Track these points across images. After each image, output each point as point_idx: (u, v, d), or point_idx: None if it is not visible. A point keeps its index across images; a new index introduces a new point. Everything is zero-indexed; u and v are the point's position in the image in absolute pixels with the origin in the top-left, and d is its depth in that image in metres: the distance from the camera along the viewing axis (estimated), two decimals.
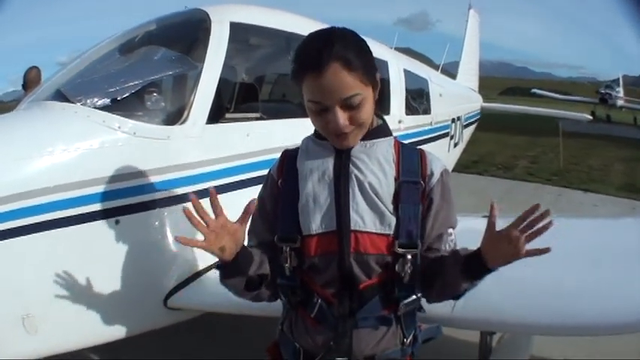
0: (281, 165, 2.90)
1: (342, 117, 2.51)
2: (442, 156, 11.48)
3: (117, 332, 4.14)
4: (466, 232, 5.41)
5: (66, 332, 3.88)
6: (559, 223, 6.34)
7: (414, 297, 2.72)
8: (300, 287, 2.76)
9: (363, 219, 2.61)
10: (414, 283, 2.68)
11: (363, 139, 2.71)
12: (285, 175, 2.83)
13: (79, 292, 3.85)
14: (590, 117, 24.70)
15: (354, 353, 2.69)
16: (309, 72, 2.49)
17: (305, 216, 2.69)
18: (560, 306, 3.83)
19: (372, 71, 2.61)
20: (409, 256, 2.62)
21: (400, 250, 2.62)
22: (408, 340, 2.83)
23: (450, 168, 13.35)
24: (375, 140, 2.74)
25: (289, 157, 2.89)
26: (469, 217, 6.50)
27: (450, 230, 2.84)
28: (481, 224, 5.51)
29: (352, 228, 2.60)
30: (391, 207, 2.64)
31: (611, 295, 3.97)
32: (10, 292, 3.57)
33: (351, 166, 2.67)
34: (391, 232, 2.62)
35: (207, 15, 5.10)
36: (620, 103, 57.24)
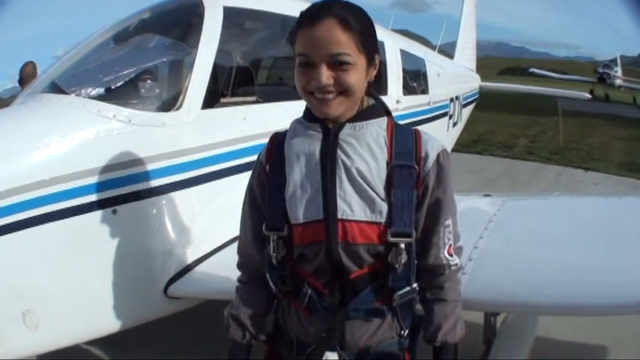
0: (269, 149, 2.80)
1: (326, 74, 2.38)
2: (441, 135, 11.59)
3: (118, 323, 4.12)
4: (467, 211, 5.40)
5: (67, 326, 3.87)
6: (561, 201, 6.34)
7: (409, 288, 2.61)
8: (290, 277, 2.69)
9: (351, 207, 2.49)
10: (409, 273, 2.58)
11: (353, 120, 2.58)
12: (272, 161, 2.73)
13: (78, 285, 3.85)
14: (589, 95, 24.68)
15: (347, 345, 2.61)
16: (304, 25, 2.42)
17: (291, 204, 2.60)
18: (565, 285, 3.79)
19: (370, 44, 2.51)
20: (402, 245, 2.50)
21: (393, 239, 2.50)
22: (406, 332, 2.72)
23: (450, 147, 13.37)
24: (365, 122, 2.60)
25: (277, 141, 2.78)
26: (469, 196, 6.48)
27: (448, 222, 2.68)
28: (481, 203, 5.50)
29: (339, 217, 2.49)
30: (383, 193, 2.51)
31: (616, 274, 3.92)
32: (10, 287, 3.55)
33: (338, 150, 2.54)
34: (383, 220, 2.50)
35: (201, 0, 5.07)
36: (618, 82, 57.26)
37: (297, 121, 2.76)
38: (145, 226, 4.22)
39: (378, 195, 2.50)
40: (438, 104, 11.28)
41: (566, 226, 5.06)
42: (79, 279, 3.84)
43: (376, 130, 2.60)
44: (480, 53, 22.97)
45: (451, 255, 2.70)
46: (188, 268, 4.41)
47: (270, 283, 2.75)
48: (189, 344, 6.20)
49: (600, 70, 57.80)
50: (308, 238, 2.56)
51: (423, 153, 2.59)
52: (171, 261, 4.35)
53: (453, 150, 14.11)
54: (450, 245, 2.69)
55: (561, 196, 8.08)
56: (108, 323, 4.07)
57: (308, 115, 2.67)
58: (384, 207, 2.49)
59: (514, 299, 3.83)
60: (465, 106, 14.88)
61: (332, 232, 2.50)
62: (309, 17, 2.41)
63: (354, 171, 2.50)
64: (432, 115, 10.78)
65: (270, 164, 2.72)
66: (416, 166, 2.56)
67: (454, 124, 13.41)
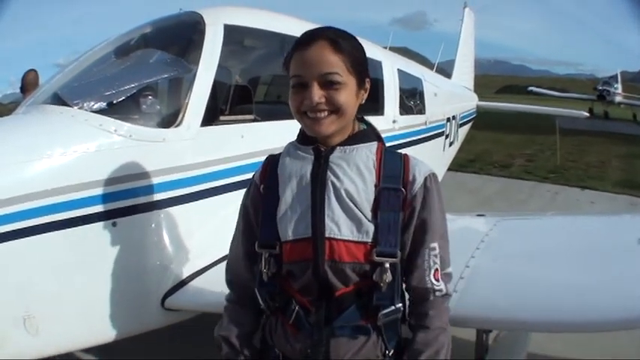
0: (264, 170, 2.90)
1: (317, 93, 2.51)
2: (437, 155, 11.59)
3: (115, 333, 4.16)
4: (460, 231, 5.45)
5: (66, 333, 3.91)
6: (554, 221, 6.40)
7: (394, 307, 2.66)
8: (279, 293, 2.76)
9: (339, 226, 2.58)
10: (393, 293, 2.64)
11: (344, 144, 2.69)
12: (267, 181, 2.83)
13: (77, 294, 3.90)
14: (587, 114, 24.68)
15: None
16: (297, 49, 2.57)
17: (282, 222, 2.69)
18: (556, 302, 3.82)
19: (361, 67, 2.64)
20: (387, 265, 2.57)
21: (378, 259, 2.57)
22: (390, 353, 2.75)
23: (446, 167, 13.41)
24: (355, 146, 2.70)
25: (272, 162, 2.88)
26: (463, 216, 6.53)
27: (434, 245, 2.72)
28: (474, 223, 5.56)
29: (327, 235, 2.57)
30: (370, 214, 2.60)
31: (608, 291, 3.97)
32: (12, 293, 3.61)
33: (328, 172, 2.64)
34: (369, 240, 2.58)
35: (202, 17, 5.13)
36: (618, 99, 57.11)
37: (290, 144, 2.86)
38: (144, 239, 4.26)
39: (365, 216, 2.58)
40: (435, 124, 11.28)
41: (559, 245, 5.11)
42: (78, 288, 3.90)
43: (366, 153, 2.70)
44: (478, 71, 23.03)
45: (437, 280, 2.73)
46: (185, 282, 4.45)
47: (259, 299, 2.82)
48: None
49: (600, 88, 57.64)
50: (296, 255, 2.64)
51: (410, 177, 2.68)
52: (169, 274, 4.39)
53: (450, 169, 14.17)
54: (437, 270, 2.73)
55: (555, 216, 8.12)
56: (105, 332, 4.11)
57: (301, 137, 2.79)
58: (370, 227, 2.58)
59: (505, 316, 3.88)
60: (461, 125, 14.88)
61: (319, 249, 2.58)
62: (303, 41, 2.57)
63: (342, 192, 2.59)
64: (429, 134, 10.79)
65: (265, 185, 2.83)
66: (403, 189, 2.65)
67: (450, 144, 13.40)
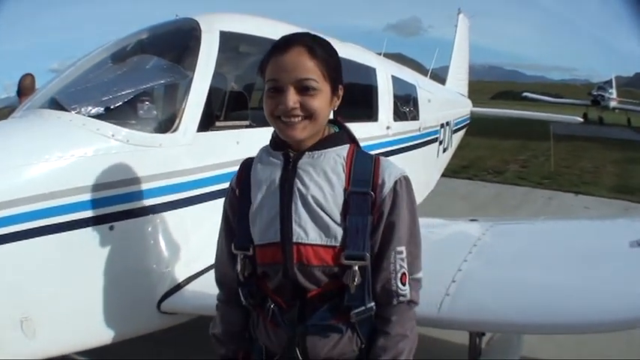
0: (239, 175, 2.96)
1: (292, 98, 2.54)
2: (431, 161, 11.62)
3: (112, 335, 4.20)
4: (452, 236, 5.50)
5: (63, 335, 3.95)
6: (546, 225, 6.45)
7: (364, 307, 2.67)
8: (256, 292, 2.83)
9: (306, 231, 2.62)
10: (363, 293, 2.66)
11: (312, 149, 2.71)
12: (241, 186, 2.89)
13: (74, 296, 3.94)
14: (582, 119, 24.70)
15: (309, 357, 2.71)
16: (274, 54, 2.60)
17: (254, 226, 2.76)
18: (550, 305, 3.87)
19: (335, 74, 2.68)
20: (356, 268, 2.60)
21: (346, 262, 2.60)
22: (365, 346, 2.77)
23: (440, 173, 13.42)
24: (323, 150, 2.72)
25: (247, 166, 2.93)
26: (456, 221, 6.57)
27: (400, 248, 2.71)
28: (467, 228, 5.62)
29: (294, 240, 2.62)
30: (338, 218, 2.62)
31: (600, 293, 4.02)
32: (9, 296, 3.65)
33: (295, 178, 2.67)
34: (337, 244, 2.61)
35: (198, 24, 5.17)
36: (613, 104, 57.12)
37: (263, 149, 2.92)
38: (141, 243, 4.30)
39: (333, 220, 2.62)
40: (429, 130, 11.30)
41: (550, 249, 5.15)
42: (75, 291, 3.93)
43: (334, 157, 2.71)
44: (473, 77, 23.01)
45: (404, 284, 2.71)
46: (181, 285, 4.49)
47: (242, 297, 2.89)
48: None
49: (594, 93, 57.68)
50: (267, 258, 2.72)
51: (380, 180, 2.68)
52: (165, 277, 4.43)
53: (443, 175, 14.21)
54: (404, 274, 2.72)
55: (547, 220, 8.16)
56: (102, 335, 4.15)
57: (273, 143, 2.84)
58: (338, 231, 2.62)
59: (497, 319, 3.92)
60: (455, 131, 14.90)
61: (288, 254, 2.64)
62: (279, 46, 2.61)
63: (309, 198, 2.63)
64: (423, 140, 10.81)
65: (240, 189, 2.90)
66: (372, 192, 2.66)
67: (444, 150, 13.42)
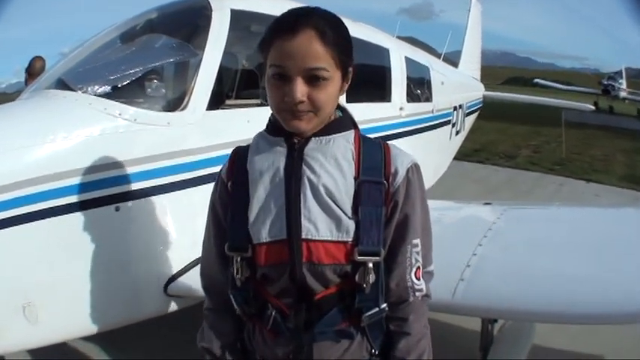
0: (231, 165, 2.67)
1: (300, 89, 2.27)
2: (444, 143, 11.60)
3: (118, 320, 4.17)
4: (467, 219, 5.40)
5: (67, 320, 3.89)
6: (561, 211, 6.39)
7: (377, 309, 2.48)
8: (254, 298, 2.56)
9: (317, 226, 2.38)
10: (377, 293, 2.46)
11: (319, 134, 2.47)
12: (234, 177, 2.60)
13: (79, 280, 3.87)
14: (593, 107, 24.62)
15: None
16: (280, 35, 2.29)
17: (254, 223, 2.47)
18: (562, 293, 3.83)
19: (347, 57, 2.42)
20: (370, 265, 2.37)
21: (360, 258, 2.37)
22: (377, 352, 2.58)
23: (452, 156, 13.42)
24: (331, 136, 2.49)
25: (240, 155, 2.66)
26: (470, 204, 6.50)
27: (416, 241, 2.52)
28: (481, 211, 5.54)
29: (304, 236, 2.37)
30: (350, 211, 2.39)
31: (613, 283, 3.98)
32: (11, 281, 3.58)
33: (303, 166, 2.43)
34: (350, 239, 2.37)
35: (208, 2, 5.11)
36: (622, 94, 57.16)
37: (259, 135, 2.67)
38: (147, 224, 4.24)
39: (344, 213, 2.39)
40: (441, 112, 11.25)
41: (565, 236, 5.10)
42: (80, 274, 3.86)
43: (344, 143, 2.50)
44: (484, 62, 22.97)
45: (418, 279, 2.55)
46: (188, 267, 4.41)
47: (234, 305, 2.63)
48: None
49: (605, 82, 57.70)
50: (271, 258, 2.44)
51: (392, 168, 2.49)
52: (172, 259, 4.37)
53: (455, 158, 14.18)
54: (419, 268, 2.55)
55: (561, 207, 8.11)
56: (108, 319, 4.09)
57: (271, 128, 2.59)
58: (351, 225, 2.38)
59: (511, 306, 3.87)
60: (468, 114, 14.90)
61: (296, 252, 2.39)
62: (286, 27, 2.30)
63: (320, 188, 2.40)
64: (435, 122, 10.76)
65: (233, 181, 2.61)
66: (385, 182, 2.46)
67: (457, 133, 13.39)
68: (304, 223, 2.38)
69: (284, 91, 2.30)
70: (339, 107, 2.62)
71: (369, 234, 2.39)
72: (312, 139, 2.46)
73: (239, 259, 2.50)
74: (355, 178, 2.43)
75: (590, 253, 4.61)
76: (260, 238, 2.44)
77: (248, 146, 2.67)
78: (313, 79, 2.29)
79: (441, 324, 5.36)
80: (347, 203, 2.40)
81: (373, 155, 2.50)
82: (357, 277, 2.39)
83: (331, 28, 2.33)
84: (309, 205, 2.39)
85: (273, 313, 2.51)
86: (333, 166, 2.43)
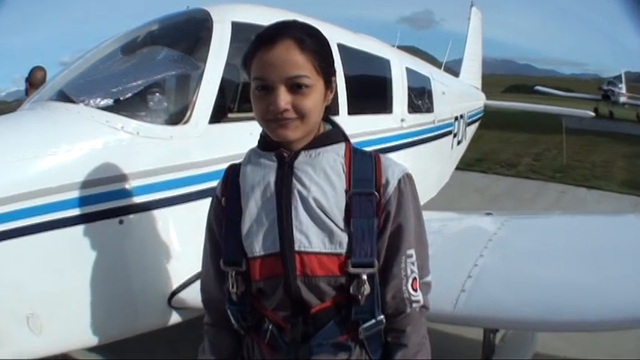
0: (225, 181, 2.72)
1: (284, 98, 2.31)
2: (445, 154, 11.60)
3: (121, 331, 4.18)
4: (468, 230, 5.41)
5: (71, 331, 3.90)
6: (561, 220, 6.40)
7: (374, 320, 2.47)
8: (251, 312, 2.59)
9: (309, 238, 2.39)
10: (373, 304, 2.46)
11: (308, 147, 2.50)
12: (228, 193, 2.64)
13: (83, 292, 3.88)
14: (593, 114, 24.66)
15: None
16: (260, 47, 2.35)
17: (247, 237, 2.50)
18: (565, 303, 3.84)
19: (328, 65, 2.47)
20: (364, 277, 2.38)
21: (353, 270, 2.39)
22: None
23: (454, 166, 13.41)
24: (321, 149, 2.51)
25: (233, 171, 2.71)
26: (471, 215, 6.52)
27: (410, 251, 2.52)
28: (482, 222, 5.55)
29: (296, 249, 2.39)
30: (342, 223, 2.41)
31: (614, 291, 3.98)
32: (15, 291, 3.60)
33: (293, 179, 2.46)
34: (343, 251, 2.39)
35: (209, 14, 5.13)
36: (622, 99, 57.14)
37: (251, 151, 2.71)
38: (151, 237, 4.24)
39: (336, 225, 2.41)
40: (443, 122, 11.23)
41: (566, 244, 5.11)
42: (84, 286, 3.87)
43: (333, 156, 2.52)
44: (485, 70, 23.00)
45: (415, 290, 2.54)
46: (191, 280, 4.41)
47: (232, 319, 2.66)
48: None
49: (605, 88, 57.65)
50: (265, 272, 2.47)
51: (383, 179, 2.50)
52: (176, 272, 4.37)
53: (457, 168, 14.19)
54: (415, 279, 2.54)
55: (562, 215, 8.14)
56: (111, 330, 4.11)
57: (262, 143, 2.62)
58: (343, 237, 2.40)
59: (512, 315, 3.89)
60: (469, 124, 14.87)
61: (289, 265, 2.41)
62: (265, 40, 2.36)
63: (310, 200, 2.42)
64: (437, 133, 10.74)
65: (226, 197, 2.65)
66: (376, 193, 2.47)
67: (458, 143, 13.39)
68: (296, 235, 2.40)
69: (268, 102, 2.35)
70: (330, 121, 2.65)
71: (362, 245, 2.40)
72: (302, 152, 2.49)
73: (234, 273, 2.53)
74: (346, 191, 2.45)
75: (591, 261, 4.62)
76: (254, 251, 2.47)
77: (241, 162, 2.71)
78: (295, 87, 2.33)
79: (442, 334, 5.38)
80: (338, 215, 2.42)
81: (364, 167, 2.51)
82: (351, 288, 2.41)
83: (310, 37, 2.39)
84: (301, 218, 2.41)
85: (270, 327, 2.53)
86: (322, 179, 2.45)
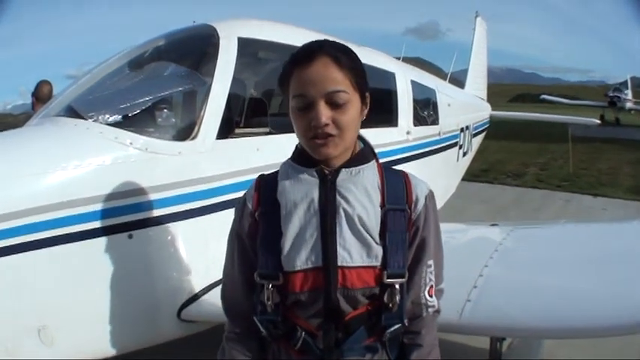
0: (257, 193, 2.71)
1: (325, 113, 2.38)
2: (451, 165, 11.64)
3: (131, 344, 4.21)
4: (474, 241, 5.45)
5: (81, 344, 3.92)
6: (566, 229, 6.43)
7: (400, 324, 2.60)
8: (282, 322, 2.63)
9: (350, 254, 2.49)
10: (401, 311, 2.58)
11: (348, 165, 2.57)
12: (263, 207, 2.66)
13: (93, 305, 3.93)
14: (599, 121, 24.62)
15: None
16: (298, 65, 2.45)
17: (289, 252, 2.54)
18: (571, 310, 3.87)
19: (363, 80, 2.54)
20: (397, 287, 2.53)
21: (389, 281, 2.52)
22: None
23: (460, 177, 13.45)
24: (360, 167, 2.59)
25: (266, 184, 2.72)
26: (477, 226, 6.55)
27: (430, 262, 2.68)
28: (488, 233, 5.58)
29: (339, 264, 2.48)
30: (378, 237, 2.52)
31: (619, 297, 4.01)
32: (26, 304, 3.64)
33: (338, 197, 2.53)
34: (378, 264, 2.51)
35: (216, 30, 5.16)
36: (629, 105, 57.07)
37: (288, 165, 2.71)
38: (160, 251, 4.29)
39: (374, 239, 2.51)
40: (449, 134, 11.25)
41: (572, 253, 5.14)
42: (93, 299, 3.92)
43: (371, 174, 2.61)
44: (491, 80, 22.97)
45: (431, 296, 2.71)
46: (201, 293, 4.46)
47: (261, 328, 2.67)
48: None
49: (611, 94, 57.56)
50: (307, 285, 2.54)
51: (414, 197, 2.63)
52: (185, 285, 4.41)
53: (463, 179, 14.21)
54: (432, 286, 2.71)
55: (567, 224, 8.15)
56: (121, 343, 4.13)
57: (299, 157, 2.65)
58: (379, 251, 2.51)
59: (518, 324, 3.93)
60: (475, 135, 14.89)
61: (332, 278, 2.49)
62: (302, 58, 2.45)
63: (355, 218, 2.50)
64: (443, 145, 10.77)
65: (261, 211, 2.66)
66: (408, 209, 2.60)
67: (464, 154, 13.41)
68: (340, 251, 2.49)
69: (309, 118, 2.42)
70: (360, 138, 2.72)
71: (396, 258, 2.54)
72: (342, 170, 2.57)
73: (270, 286, 2.58)
74: (381, 206, 2.56)
75: (596, 269, 4.66)
76: (295, 266, 2.53)
77: (273, 174, 2.75)
78: (335, 102, 2.41)
79: (449, 342, 5.39)
80: (376, 230, 2.53)
81: (396, 184, 2.64)
82: (385, 297, 2.54)
83: (345, 54, 2.49)
84: (345, 235, 2.50)
85: (303, 335, 2.60)
86: (364, 196, 2.55)
